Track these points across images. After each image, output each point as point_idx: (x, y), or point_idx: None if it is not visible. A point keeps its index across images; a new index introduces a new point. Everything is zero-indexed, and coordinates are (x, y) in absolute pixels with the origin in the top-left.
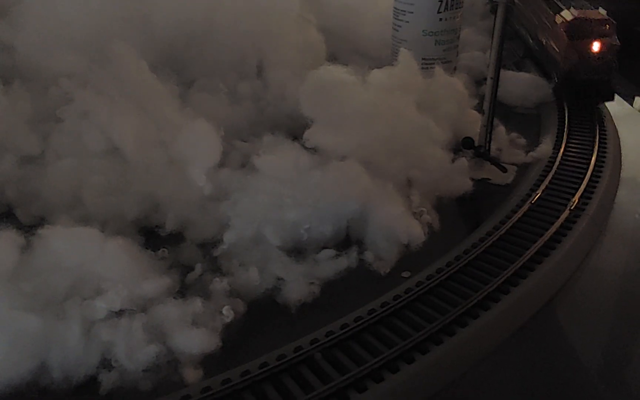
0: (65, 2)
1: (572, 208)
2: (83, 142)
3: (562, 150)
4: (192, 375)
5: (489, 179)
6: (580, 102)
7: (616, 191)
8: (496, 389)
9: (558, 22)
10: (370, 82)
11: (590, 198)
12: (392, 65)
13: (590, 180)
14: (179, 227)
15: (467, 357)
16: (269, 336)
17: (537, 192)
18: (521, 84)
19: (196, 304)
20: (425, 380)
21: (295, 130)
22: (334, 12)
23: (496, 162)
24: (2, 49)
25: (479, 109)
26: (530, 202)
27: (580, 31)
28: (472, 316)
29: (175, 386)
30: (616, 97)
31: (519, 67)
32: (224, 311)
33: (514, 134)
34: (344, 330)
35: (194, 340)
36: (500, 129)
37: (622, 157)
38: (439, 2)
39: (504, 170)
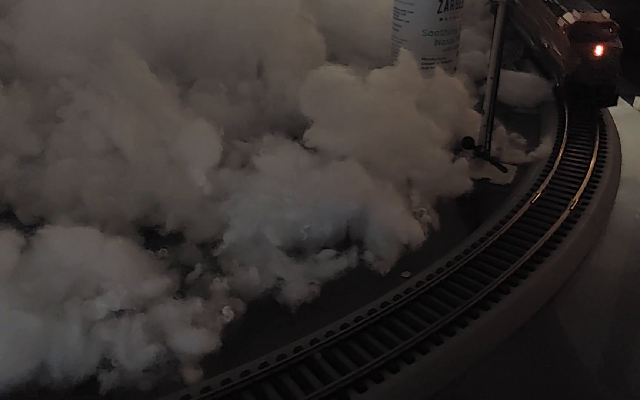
0: (65, 2)
1: (572, 208)
2: (83, 142)
3: (562, 150)
4: (192, 375)
5: (489, 179)
6: (582, 106)
7: (616, 191)
8: (496, 389)
9: (560, 25)
10: (370, 82)
11: (590, 198)
12: (392, 65)
13: (590, 180)
14: (179, 227)
15: (467, 357)
16: (269, 336)
17: (537, 192)
18: (521, 84)
19: (196, 304)
20: (425, 380)
21: (295, 130)
22: (334, 12)
23: (496, 162)
24: (2, 49)
25: (479, 109)
26: (531, 202)
27: (582, 34)
28: (472, 316)
29: (175, 386)
30: None
31: (519, 67)
32: (224, 311)
33: (514, 134)
34: (344, 330)
35: (194, 340)
36: (501, 129)
37: (622, 157)
38: (439, 2)
39: (504, 170)
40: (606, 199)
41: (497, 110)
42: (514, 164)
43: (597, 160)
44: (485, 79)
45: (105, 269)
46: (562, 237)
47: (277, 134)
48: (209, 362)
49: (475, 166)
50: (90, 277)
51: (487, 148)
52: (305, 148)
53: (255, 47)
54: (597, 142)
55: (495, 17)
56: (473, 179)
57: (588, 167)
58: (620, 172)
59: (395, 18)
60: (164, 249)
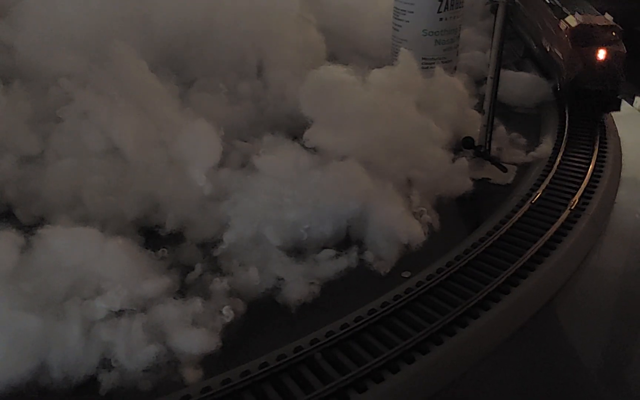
0: (65, 2)
1: (572, 208)
2: (83, 142)
3: (562, 150)
4: (192, 375)
5: (489, 179)
6: (584, 112)
7: (616, 191)
8: (496, 389)
9: (562, 28)
10: (370, 82)
11: (590, 198)
12: (392, 65)
13: (590, 180)
14: (179, 227)
15: (467, 357)
16: (269, 336)
17: (537, 192)
18: (521, 84)
19: (196, 304)
20: (425, 380)
21: (295, 130)
22: (334, 12)
23: (496, 162)
24: (2, 49)
25: (479, 108)
26: (531, 202)
27: (585, 38)
28: (472, 316)
29: (175, 386)
30: None
31: (519, 67)
32: (224, 311)
33: (514, 134)
34: (344, 330)
35: (194, 340)
36: (501, 129)
37: (622, 157)
38: (439, 2)
39: (504, 170)
40: (606, 199)
41: (497, 110)
42: (514, 164)
43: (597, 160)
44: (485, 79)
45: (105, 269)
46: (562, 237)
47: (277, 134)
48: (209, 362)
49: (475, 166)
50: (90, 277)
51: (487, 148)
52: (305, 148)
53: (255, 47)
54: (597, 142)
55: (495, 17)
56: (473, 179)
57: (588, 167)
58: (620, 172)
59: (395, 18)
60: (164, 249)
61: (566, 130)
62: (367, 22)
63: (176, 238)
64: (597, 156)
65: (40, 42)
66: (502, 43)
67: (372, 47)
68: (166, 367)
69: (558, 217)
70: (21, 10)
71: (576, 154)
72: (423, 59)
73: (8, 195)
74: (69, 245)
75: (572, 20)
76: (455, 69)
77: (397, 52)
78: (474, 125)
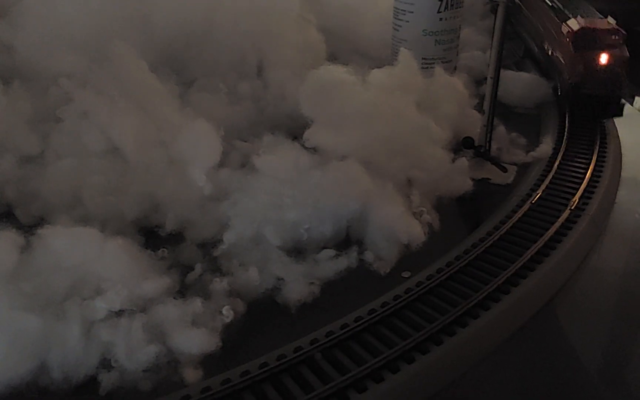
0: (65, 2)
1: (572, 208)
2: (83, 142)
3: (562, 150)
4: (192, 375)
5: (489, 179)
6: (586, 116)
7: (616, 191)
8: (496, 389)
9: (564, 32)
10: (370, 82)
11: (590, 198)
12: (392, 65)
13: (590, 180)
14: (179, 227)
15: (467, 357)
16: (269, 336)
17: (537, 192)
18: (521, 84)
19: (196, 304)
20: (425, 380)
21: (295, 130)
22: (334, 12)
23: (496, 162)
24: (2, 49)
25: (479, 108)
26: (531, 202)
27: (587, 42)
28: (472, 316)
29: (175, 386)
30: None
31: (519, 67)
32: (224, 311)
33: (514, 134)
34: (344, 330)
35: (194, 340)
36: (501, 129)
37: (622, 157)
38: (439, 2)
39: (504, 170)
40: (606, 199)
41: (497, 110)
42: (514, 164)
43: (597, 160)
44: (485, 79)
45: (105, 269)
46: (562, 237)
47: (277, 134)
48: (209, 362)
49: (475, 166)
50: (90, 277)
51: (487, 148)
52: (305, 148)
53: (255, 47)
54: (597, 143)
55: (495, 17)
56: (473, 179)
57: (588, 167)
58: (620, 172)
59: (395, 18)
60: (164, 249)
61: (566, 130)
62: (367, 22)
63: (176, 238)
64: (597, 156)
65: (40, 42)
66: (502, 43)
67: (372, 47)
68: (166, 367)
69: (558, 217)
70: (21, 10)
71: (576, 154)
72: (423, 59)
73: (8, 195)
74: (69, 245)
75: (574, 24)
76: (455, 69)
77: (397, 52)
78: (474, 125)
